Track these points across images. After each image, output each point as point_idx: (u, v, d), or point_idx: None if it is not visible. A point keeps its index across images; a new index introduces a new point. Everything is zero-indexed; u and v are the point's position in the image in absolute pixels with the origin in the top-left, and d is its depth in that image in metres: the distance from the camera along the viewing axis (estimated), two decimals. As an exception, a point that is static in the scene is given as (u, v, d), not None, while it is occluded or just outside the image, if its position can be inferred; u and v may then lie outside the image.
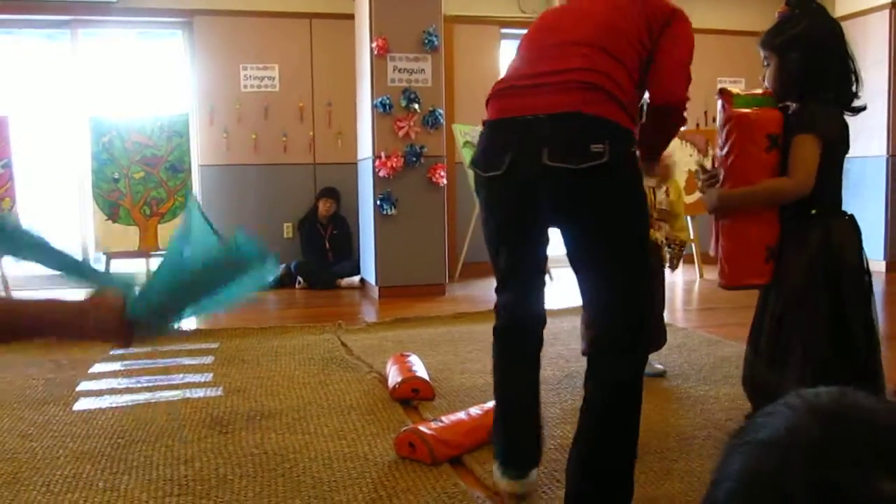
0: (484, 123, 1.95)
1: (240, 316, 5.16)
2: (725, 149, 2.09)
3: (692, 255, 6.93)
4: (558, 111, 1.77)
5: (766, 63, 2.13)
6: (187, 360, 3.77)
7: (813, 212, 2.10)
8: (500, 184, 1.86)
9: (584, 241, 1.87)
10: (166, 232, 6.31)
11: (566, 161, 1.73)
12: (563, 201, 1.81)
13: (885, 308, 5.56)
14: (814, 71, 2.05)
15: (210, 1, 6.63)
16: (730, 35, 7.59)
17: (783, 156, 2.05)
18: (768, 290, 2.19)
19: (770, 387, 2.06)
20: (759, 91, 2.18)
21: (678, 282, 6.67)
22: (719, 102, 2.20)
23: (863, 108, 2.13)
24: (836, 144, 2.08)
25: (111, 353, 3.95)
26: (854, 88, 2.09)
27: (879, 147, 6.91)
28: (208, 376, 3.46)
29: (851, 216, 2.15)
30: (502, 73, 2.03)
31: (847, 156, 2.13)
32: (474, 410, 2.61)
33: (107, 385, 3.32)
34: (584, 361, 1.99)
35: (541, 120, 1.78)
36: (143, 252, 6.31)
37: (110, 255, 6.21)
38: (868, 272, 2.12)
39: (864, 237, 2.15)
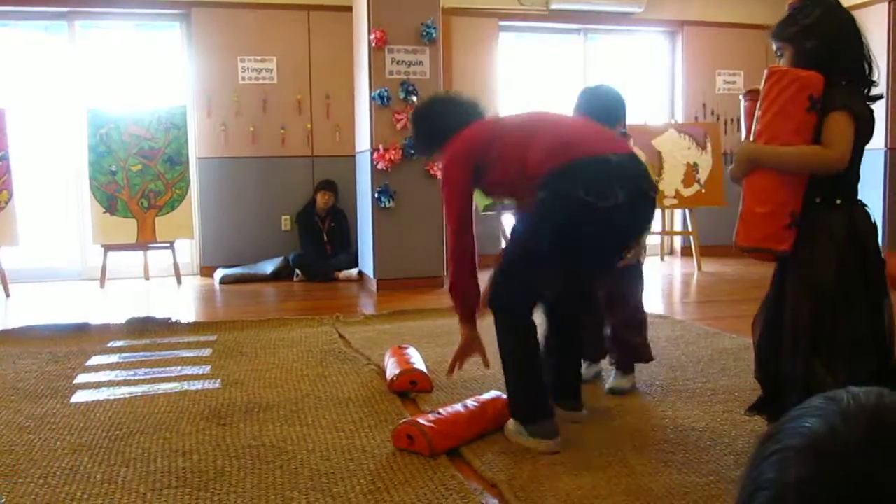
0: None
1: (238, 308, 5.16)
2: (762, 105, 2.04)
3: (690, 247, 6.93)
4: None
5: (779, 54, 2.13)
6: (185, 353, 3.77)
7: (838, 201, 2.08)
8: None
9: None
10: (164, 224, 6.30)
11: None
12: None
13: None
14: (830, 58, 2.04)
15: (208, -7, 6.61)
16: (727, 28, 7.58)
17: (819, 124, 2.02)
18: (784, 282, 2.17)
19: (814, 382, 2.01)
20: None
21: (676, 274, 6.67)
22: (744, 103, 2.20)
23: (880, 97, 2.11)
24: (865, 127, 2.05)
25: (109, 344, 3.95)
26: (870, 76, 2.08)
27: (877, 140, 6.90)
28: (206, 368, 3.45)
29: (866, 205, 2.14)
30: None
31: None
32: (471, 402, 2.61)
33: (104, 377, 3.32)
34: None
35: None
36: (141, 244, 6.31)
37: (108, 248, 6.21)
38: (884, 261, 2.13)
39: None
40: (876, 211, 7.13)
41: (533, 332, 2.47)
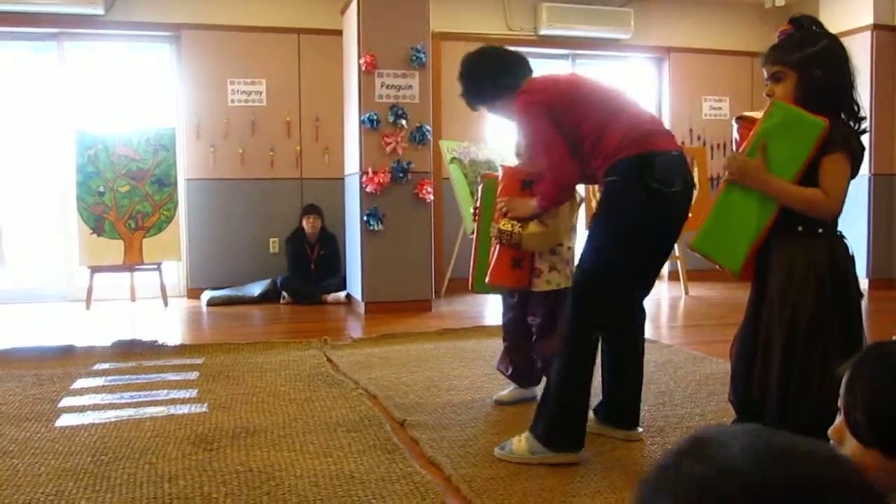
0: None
1: (225, 331, 5.13)
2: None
3: (677, 271, 6.96)
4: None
5: (774, 79, 2.12)
6: (172, 376, 3.74)
7: (820, 230, 2.09)
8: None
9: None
10: (151, 246, 6.27)
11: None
12: None
13: (870, 325, 5.60)
14: (835, 90, 2.06)
15: (198, 15, 6.63)
16: (713, 54, 7.68)
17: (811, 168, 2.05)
18: (760, 312, 2.17)
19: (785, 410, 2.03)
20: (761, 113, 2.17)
21: (663, 298, 6.69)
22: (737, 129, 2.22)
23: (866, 130, 2.13)
24: (858, 164, 2.09)
25: (94, 367, 3.92)
26: (858, 111, 2.11)
27: (863, 166, 6.97)
28: (193, 392, 3.43)
29: (844, 237, 2.15)
30: None
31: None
32: None
33: (90, 401, 3.29)
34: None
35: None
36: (128, 266, 6.28)
37: (94, 269, 6.17)
38: (861, 293, 2.14)
39: None
40: (861, 236, 7.23)
41: (594, 359, 2.53)
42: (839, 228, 2.15)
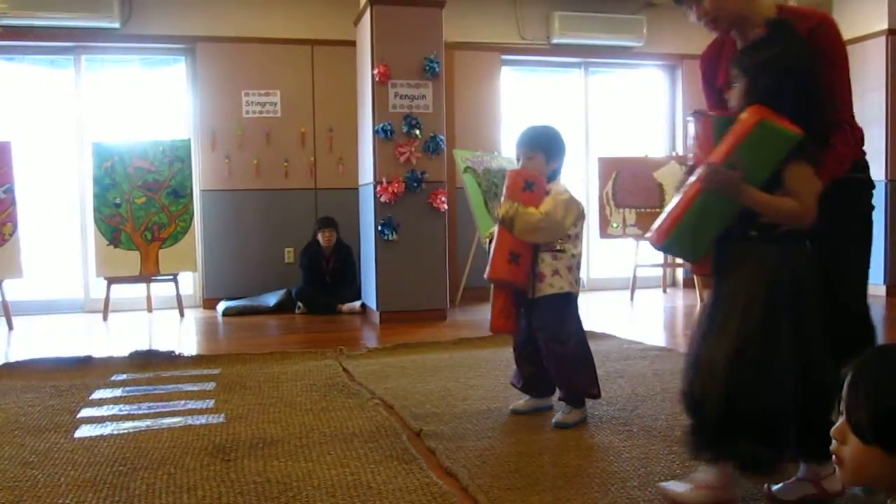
0: None
1: (241, 341, 5.15)
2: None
3: (692, 279, 6.94)
4: None
5: (735, 82, 2.09)
6: (189, 387, 3.75)
7: (778, 235, 2.05)
8: None
9: None
10: (167, 257, 6.31)
11: None
12: None
13: (885, 332, 5.55)
14: (783, 99, 2.00)
15: (212, 27, 6.69)
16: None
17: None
18: (717, 313, 2.12)
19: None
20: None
21: (678, 306, 6.67)
22: (694, 123, 2.20)
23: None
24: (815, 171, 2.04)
25: (112, 378, 3.94)
26: (822, 116, 2.07)
27: (878, 171, 6.94)
28: (210, 403, 3.44)
29: (806, 241, 2.09)
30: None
31: None
32: None
33: (108, 412, 3.31)
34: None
35: None
36: (144, 277, 6.32)
37: (111, 280, 6.22)
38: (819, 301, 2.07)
39: None
40: (877, 242, 7.19)
41: None
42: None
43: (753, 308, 2.02)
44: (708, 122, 2.12)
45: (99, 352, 4.54)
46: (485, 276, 3.05)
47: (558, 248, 3.01)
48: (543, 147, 3.05)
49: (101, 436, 2.96)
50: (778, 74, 2.00)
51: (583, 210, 3.10)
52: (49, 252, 6.81)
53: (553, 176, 3.08)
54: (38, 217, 6.61)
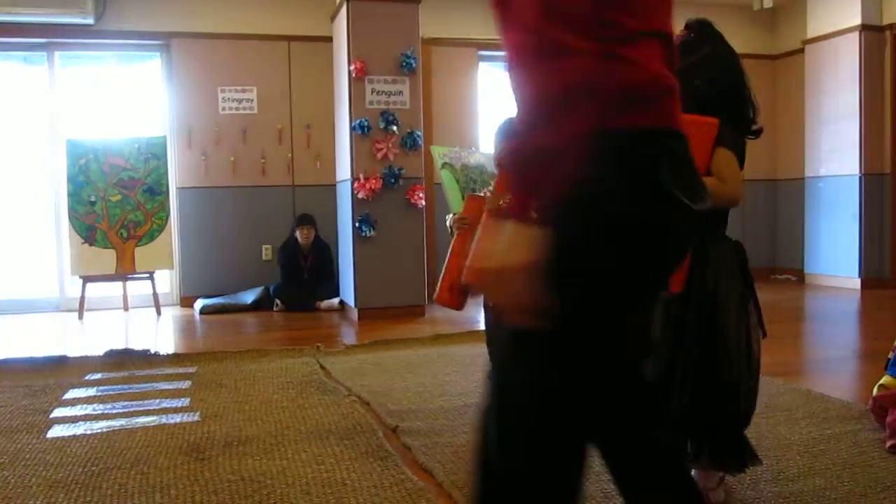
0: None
1: (218, 339, 5.12)
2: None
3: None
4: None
5: None
6: (164, 385, 3.73)
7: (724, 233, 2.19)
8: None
9: None
10: (143, 255, 6.26)
11: None
12: None
13: (861, 325, 5.62)
14: (711, 98, 2.08)
15: (187, 24, 6.63)
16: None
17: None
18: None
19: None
20: None
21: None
22: None
23: (761, 131, 2.17)
24: (741, 165, 2.14)
25: (86, 377, 3.90)
26: (751, 114, 2.15)
27: (852, 166, 7.01)
28: (185, 401, 3.42)
29: (733, 241, 2.21)
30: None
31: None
32: None
33: (81, 411, 3.28)
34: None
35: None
36: (120, 275, 6.26)
37: (86, 279, 6.16)
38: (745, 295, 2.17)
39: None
40: (852, 237, 7.23)
41: None
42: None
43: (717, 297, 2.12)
44: None
45: (74, 351, 4.49)
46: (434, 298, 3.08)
47: None
48: None
49: (74, 436, 2.93)
50: (710, 74, 2.09)
51: None
52: (24, 251, 6.74)
53: None
54: (12, 215, 6.53)
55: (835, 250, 7.23)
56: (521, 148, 1.07)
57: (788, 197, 7.93)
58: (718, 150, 2.07)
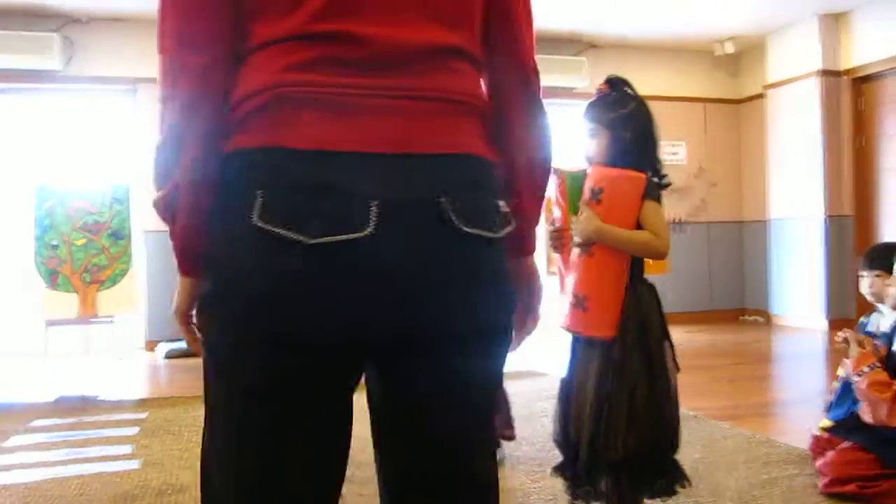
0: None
1: (178, 384, 5.08)
2: (606, 195, 2.19)
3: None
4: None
5: (590, 135, 2.24)
6: (110, 432, 3.69)
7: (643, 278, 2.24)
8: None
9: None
10: (106, 299, 6.23)
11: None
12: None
13: (825, 366, 5.62)
14: (640, 150, 2.21)
15: (154, 69, 6.64)
16: (665, 101, 7.78)
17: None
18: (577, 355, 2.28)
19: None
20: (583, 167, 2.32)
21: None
22: (554, 178, 2.34)
23: (667, 185, 2.27)
24: None
25: (32, 424, 3.86)
26: (660, 167, 2.26)
27: (816, 208, 7.08)
28: (128, 448, 3.39)
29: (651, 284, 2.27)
30: None
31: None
32: None
33: (17, 459, 3.24)
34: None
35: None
36: (83, 319, 6.22)
37: (49, 322, 6.11)
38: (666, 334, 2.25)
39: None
40: (819, 277, 7.23)
41: None
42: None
43: (612, 346, 2.17)
44: (562, 177, 2.28)
45: (28, 396, 4.45)
46: None
47: None
48: None
49: (5, 485, 2.90)
50: (637, 128, 2.20)
51: None
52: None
53: None
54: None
55: (801, 291, 7.28)
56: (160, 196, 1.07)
57: (754, 238, 8.00)
58: (647, 203, 2.17)
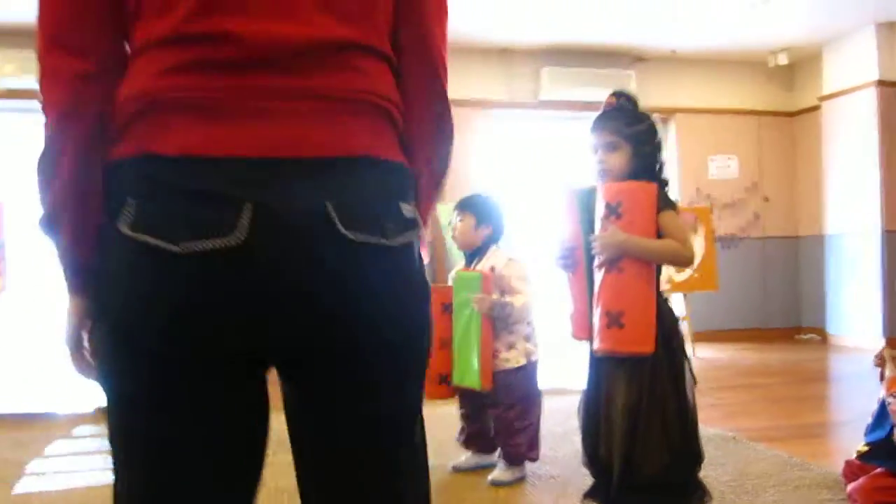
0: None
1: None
2: (626, 208, 2.20)
3: (686, 333, 6.84)
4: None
5: (609, 148, 2.23)
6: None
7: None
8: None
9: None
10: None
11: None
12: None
13: (877, 388, 5.41)
14: (655, 164, 2.28)
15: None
16: (718, 114, 7.65)
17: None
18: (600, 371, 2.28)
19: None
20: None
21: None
22: (562, 197, 2.42)
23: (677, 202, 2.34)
24: None
25: (73, 432, 3.96)
26: (667, 181, 2.32)
27: (874, 221, 6.85)
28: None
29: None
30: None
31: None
32: None
33: (54, 466, 3.33)
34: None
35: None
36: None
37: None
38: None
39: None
40: (875, 294, 6.99)
41: None
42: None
43: (643, 364, 2.20)
44: (571, 196, 2.33)
45: (67, 406, 4.57)
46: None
47: (512, 321, 2.99)
48: (475, 211, 3.10)
49: (38, 492, 2.97)
50: (657, 144, 2.28)
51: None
52: (37, 311, 6.88)
53: (492, 242, 3.11)
54: (29, 275, 6.70)
55: (857, 309, 7.03)
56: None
57: (809, 254, 7.77)
58: (665, 213, 2.20)
